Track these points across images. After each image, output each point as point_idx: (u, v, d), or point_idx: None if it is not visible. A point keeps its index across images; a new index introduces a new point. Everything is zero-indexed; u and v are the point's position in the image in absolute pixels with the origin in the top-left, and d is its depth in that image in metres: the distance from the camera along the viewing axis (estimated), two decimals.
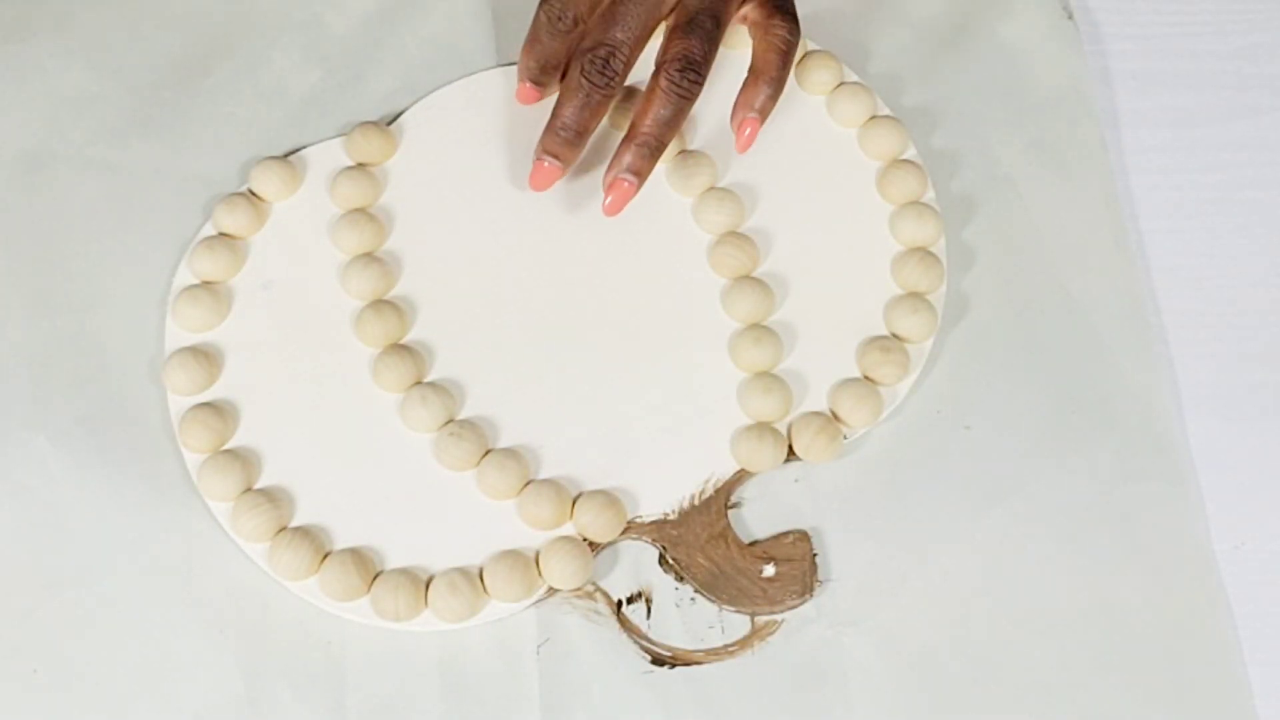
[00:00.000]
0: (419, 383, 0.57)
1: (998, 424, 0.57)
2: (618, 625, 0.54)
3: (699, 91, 0.57)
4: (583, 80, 0.57)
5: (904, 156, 0.61)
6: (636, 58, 0.58)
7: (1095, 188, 0.62)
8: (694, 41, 0.56)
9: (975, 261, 0.60)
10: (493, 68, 0.64)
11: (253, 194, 0.60)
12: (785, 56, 0.58)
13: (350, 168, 0.61)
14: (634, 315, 0.59)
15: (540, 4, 0.58)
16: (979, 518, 0.56)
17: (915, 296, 0.58)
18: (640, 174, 0.57)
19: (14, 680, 0.53)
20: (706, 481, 0.56)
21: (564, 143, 0.57)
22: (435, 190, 0.61)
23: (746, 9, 0.59)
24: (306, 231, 0.60)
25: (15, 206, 0.60)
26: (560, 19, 0.57)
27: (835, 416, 0.57)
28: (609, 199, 0.57)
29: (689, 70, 0.56)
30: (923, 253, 0.59)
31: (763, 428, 0.56)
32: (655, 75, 0.57)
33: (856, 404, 0.57)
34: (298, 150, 0.62)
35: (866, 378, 0.58)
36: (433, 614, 0.53)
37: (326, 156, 0.61)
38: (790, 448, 0.56)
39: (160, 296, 0.59)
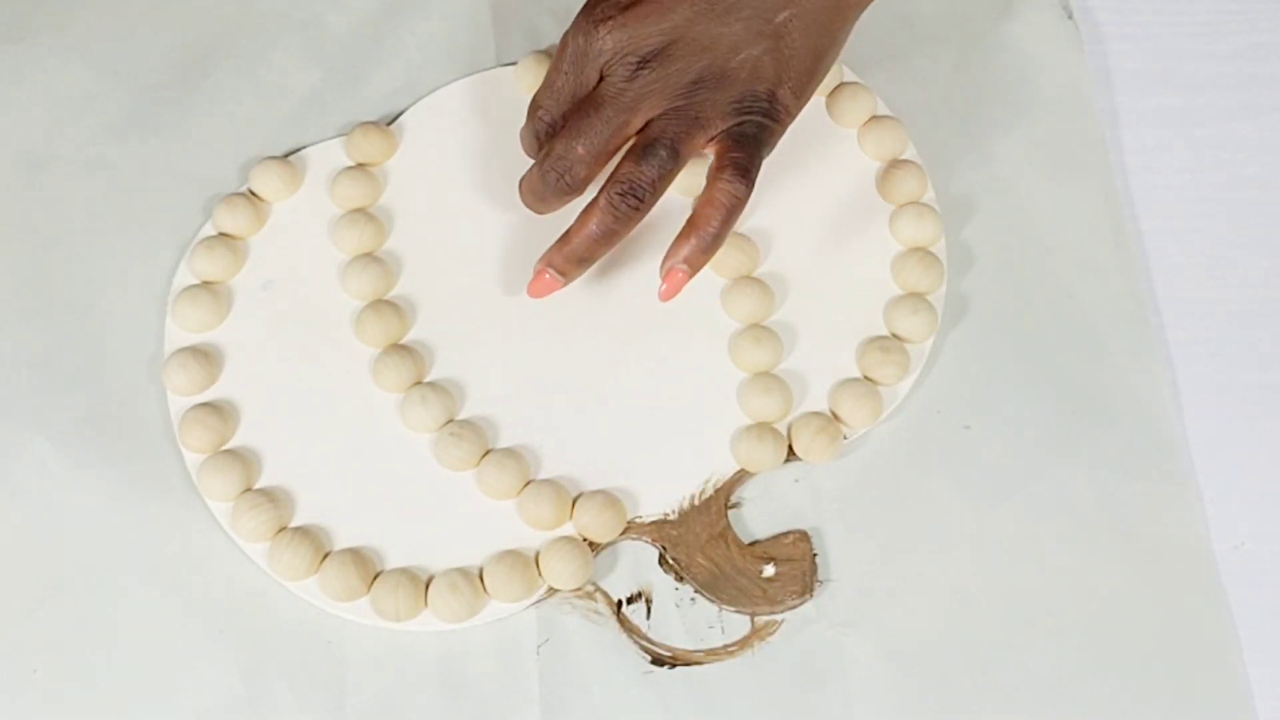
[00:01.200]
0: (419, 383, 0.57)
1: (998, 424, 0.57)
2: (618, 625, 0.54)
3: (638, 219, 0.54)
4: (608, 210, 0.54)
5: (903, 156, 0.61)
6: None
7: (1095, 187, 0.62)
8: (644, 168, 0.53)
9: (975, 262, 0.60)
10: (492, 67, 0.64)
11: (253, 194, 0.60)
12: (728, 214, 0.54)
13: (350, 168, 0.61)
14: (634, 315, 0.59)
15: (541, 161, 0.55)
16: (979, 517, 0.56)
17: (915, 296, 0.58)
18: (565, 274, 0.55)
19: (14, 681, 0.53)
20: (706, 481, 0.56)
21: (569, 261, 0.55)
22: (435, 190, 0.61)
23: (711, 146, 0.55)
24: (306, 232, 0.60)
25: (15, 206, 0.60)
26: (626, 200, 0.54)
27: (835, 416, 0.57)
28: (531, 287, 0.56)
29: (630, 195, 0.54)
30: (923, 253, 0.59)
31: (763, 428, 0.56)
32: (600, 191, 0.54)
33: (856, 404, 0.57)
34: (298, 150, 0.62)
35: (866, 378, 0.58)
36: (433, 614, 0.53)
37: (326, 156, 0.61)
38: (790, 448, 0.56)
39: (160, 296, 0.59)
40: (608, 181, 0.54)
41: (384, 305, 0.58)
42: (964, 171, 0.62)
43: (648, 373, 0.58)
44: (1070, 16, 0.65)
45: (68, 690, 0.53)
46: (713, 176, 0.54)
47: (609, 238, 0.55)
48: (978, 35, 0.65)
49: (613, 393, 0.58)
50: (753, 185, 0.54)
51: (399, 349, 0.57)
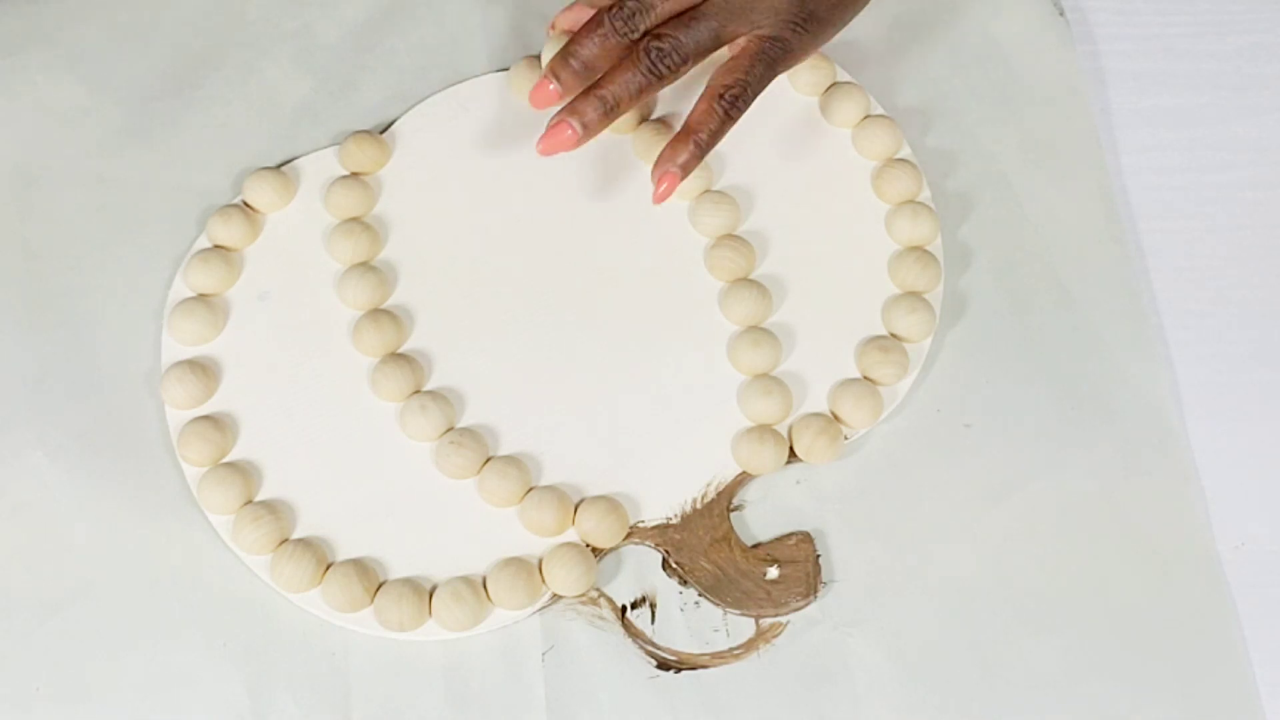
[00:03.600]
0: (418, 391, 0.57)
1: (998, 422, 0.57)
2: (622, 630, 0.54)
3: (669, 81, 0.55)
4: (644, 61, 0.55)
5: (899, 156, 0.61)
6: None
7: (1090, 183, 0.62)
8: (688, 36, 0.55)
9: (972, 260, 0.60)
10: (483, 74, 0.64)
11: (246, 205, 0.60)
12: (721, 124, 0.56)
13: (344, 177, 0.61)
14: (633, 320, 0.59)
15: (610, 7, 0.55)
16: (981, 516, 0.56)
17: (913, 296, 0.58)
18: (587, 126, 0.55)
19: (17, 698, 0.53)
20: (708, 485, 0.56)
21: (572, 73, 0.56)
22: (429, 197, 0.61)
23: (739, 44, 0.57)
24: (301, 242, 0.60)
25: (8, 222, 0.60)
26: (628, 22, 0.55)
27: (836, 417, 0.57)
28: (544, 140, 0.55)
29: (671, 55, 0.55)
30: (919, 252, 0.59)
31: (764, 430, 0.56)
32: (638, 45, 0.55)
33: (857, 404, 0.56)
34: (291, 160, 0.61)
35: (866, 378, 0.58)
36: (437, 623, 0.53)
37: (320, 166, 0.61)
38: (791, 449, 0.56)
39: (156, 310, 0.59)
40: (647, 36, 0.55)
41: (381, 314, 0.58)
42: (959, 170, 0.62)
43: (648, 377, 0.58)
44: (1061, 13, 0.65)
45: (71, 707, 0.52)
46: (715, 85, 0.56)
47: (639, 92, 0.55)
48: (969, 33, 0.65)
49: (613, 398, 0.57)
50: (749, 106, 0.56)
51: (397, 358, 0.57)
